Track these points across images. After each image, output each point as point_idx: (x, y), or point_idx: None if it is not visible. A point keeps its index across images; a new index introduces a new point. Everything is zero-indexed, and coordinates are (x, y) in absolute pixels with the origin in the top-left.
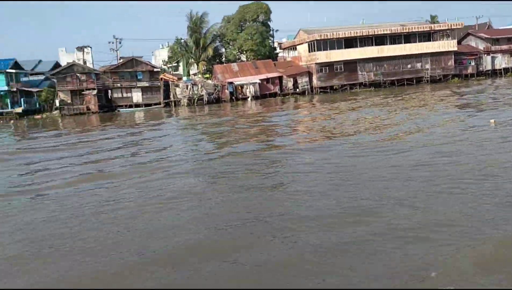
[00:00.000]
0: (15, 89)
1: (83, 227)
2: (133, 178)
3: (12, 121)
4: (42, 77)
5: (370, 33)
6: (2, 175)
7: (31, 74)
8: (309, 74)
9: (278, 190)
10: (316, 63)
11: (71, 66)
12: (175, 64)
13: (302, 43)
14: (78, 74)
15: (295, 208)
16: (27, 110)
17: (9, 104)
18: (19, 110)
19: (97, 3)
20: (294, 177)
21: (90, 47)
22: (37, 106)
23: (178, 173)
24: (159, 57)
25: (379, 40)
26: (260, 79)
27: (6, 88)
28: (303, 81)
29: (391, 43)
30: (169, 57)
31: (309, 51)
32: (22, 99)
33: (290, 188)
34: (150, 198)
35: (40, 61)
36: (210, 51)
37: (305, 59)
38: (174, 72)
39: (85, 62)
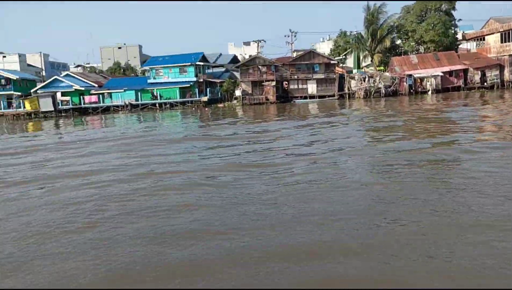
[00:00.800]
0: (201, 80)
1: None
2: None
3: (207, 109)
4: (222, 69)
5: None
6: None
7: (213, 67)
8: (500, 67)
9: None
10: (509, 55)
11: (253, 59)
12: (343, 57)
13: (492, 33)
14: (260, 66)
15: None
16: (210, 99)
17: (197, 93)
18: (205, 99)
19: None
20: (478, 178)
21: (264, 41)
22: (219, 95)
23: (351, 165)
24: (319, 50)
25: None
26: (442, 72)
27: (194, 79)
28: (492, 74)
29: None
30: (332, 50)
31: (502, 42)
32: (207, 89)
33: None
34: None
35: (220, 55)
36: (387, 43)
37: (495, 50)
38: (341, 65)
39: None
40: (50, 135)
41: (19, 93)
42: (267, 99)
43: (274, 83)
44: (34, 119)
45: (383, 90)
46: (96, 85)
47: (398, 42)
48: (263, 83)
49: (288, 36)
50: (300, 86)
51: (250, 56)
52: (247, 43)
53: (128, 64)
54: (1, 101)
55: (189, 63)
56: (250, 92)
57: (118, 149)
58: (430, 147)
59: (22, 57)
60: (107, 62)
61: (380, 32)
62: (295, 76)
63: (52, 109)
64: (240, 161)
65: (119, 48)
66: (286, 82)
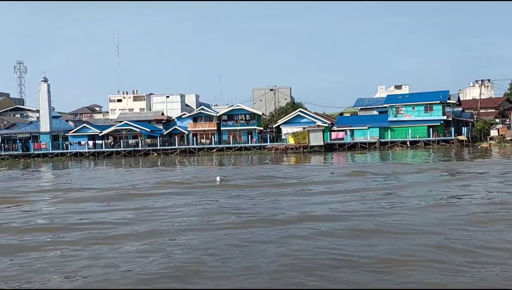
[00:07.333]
0: (450, 119)
1: None
2: None
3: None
4: (460, 108)
5: None
6: None
7: (455, 105)
8: None
9: None
10: None
11: None
12: None
13: None
14: None
15: None
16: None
17: (452, 132)
18: (462, 138)
19: None
20: None
21: (489, 80)
22: (470, 134)
23: None
24: None
25: None
26: None
27: (443, 117)
28: None
29: None
30: None
31: None
32: (465, 128)
33: None
34: None
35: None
36: None
37: None
38: None
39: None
40: None
41: (261, 128)
42: None
43: None
44: (300, 153)
45: None
46: (329, 122)
47: None
48: None
49: None
50: None
51: None
52: (398, 87)
53: (299, 103)
54: (244, 135)
55: (438, 101)
56: None
57: None
58: None
59: (182, 98)
60: (258, 103)
61: None
62: None
63: (322, 143)
64: None
65: (271, 90)
66: None
